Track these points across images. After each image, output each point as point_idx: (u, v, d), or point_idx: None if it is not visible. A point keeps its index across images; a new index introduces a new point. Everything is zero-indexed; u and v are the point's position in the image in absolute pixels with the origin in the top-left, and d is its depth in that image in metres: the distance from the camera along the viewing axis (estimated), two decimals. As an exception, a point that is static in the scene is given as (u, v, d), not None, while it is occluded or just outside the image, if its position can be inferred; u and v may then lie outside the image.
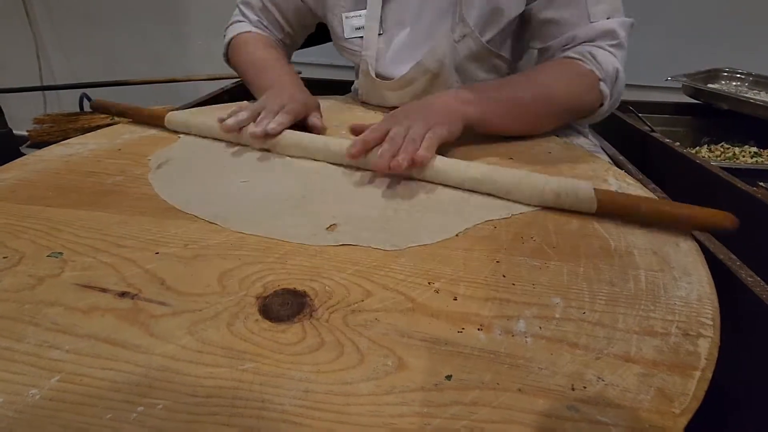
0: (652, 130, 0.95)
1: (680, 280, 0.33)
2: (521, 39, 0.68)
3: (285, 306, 0.30)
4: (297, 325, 0.28)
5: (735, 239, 0.45)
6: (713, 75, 1.23)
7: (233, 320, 0.29)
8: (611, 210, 0.40)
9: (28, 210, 0.40)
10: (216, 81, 1.18)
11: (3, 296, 0.30)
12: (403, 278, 0.33)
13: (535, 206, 0.42)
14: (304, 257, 0.35)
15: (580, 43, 0.59)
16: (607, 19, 0.59)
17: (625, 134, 0.96)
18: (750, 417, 0.36)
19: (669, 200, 0.43)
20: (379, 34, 0.69)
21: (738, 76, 1.23)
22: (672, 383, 0.25)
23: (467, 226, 0.39)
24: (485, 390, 0.24)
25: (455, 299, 0.31)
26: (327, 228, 0.38)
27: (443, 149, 0.49)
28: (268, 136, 0.52)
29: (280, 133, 0.52)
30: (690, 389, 0.24)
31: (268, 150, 0.54)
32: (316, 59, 1.54)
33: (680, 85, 1.16)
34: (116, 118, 0.86)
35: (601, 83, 0.57)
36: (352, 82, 0.94)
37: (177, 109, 0.74)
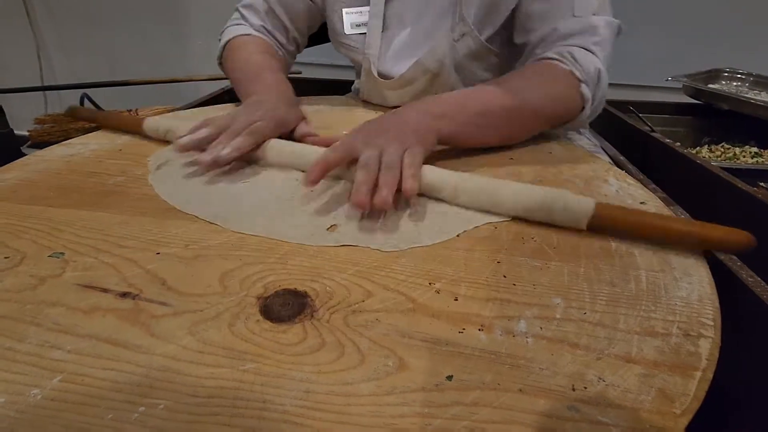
0: (653, 131, 0.95)
1: (681, 280, 0.33)
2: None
3: (286, 306, 0.30)
4: (298, 325, 0.28)
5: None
6: (714, 75, 1.23)
7: (234, 320, 0.29)
8: (612, 227, 0.37)
9: (29, 210, 0.40)
10: (217, 81, 1.18)
11: (5, 296, 0.30)
12: (403, 279, 0.33)
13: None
14: (304, 258, 0.35)
15: (560, 39, 0.56)
16: (593, 15, 0.56)
17: (626, 134, 0.96)
18: (751, 417, 0.36)
19: (679, 217, 0.39)
20: (381, 32, 0.68)
21: (738, 76, 1.23)
22: (673, 384, 0.25)
23: (467, 228, 0.39)
24: (486, 390, 0.24)
25: (456, 300, 0.31)
26: (327, 228, 0.38)
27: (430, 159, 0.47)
28: (216, 164, 0.47)
29: (234, 159, 0.47)
30: (691, 390, 0.24)
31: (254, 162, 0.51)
32: (316, 59, 1.54)
33: (681, 86, 1.16)
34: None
35: (582, 85, 0.54)
36: (352, 82, 0.94)
37: (180, 109, 0.74)
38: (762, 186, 0.81)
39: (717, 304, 0.31)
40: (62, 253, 0.35)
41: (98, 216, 0.40)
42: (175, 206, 0.41)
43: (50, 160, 0.51)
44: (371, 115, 0.70)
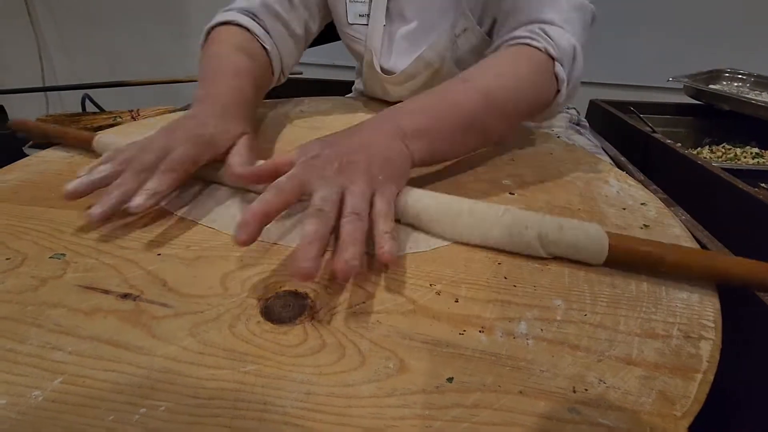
0: (654, 131, 0.95)
1: (681, 282, 0.33)
2: None
3: (287, 308, 0.30)
4: (299, 327, 0.28)
5: (736, 240, 0.45)
6: (715, 76, 1.23)
7: (235, 322, 0.29)
8: (625, 260, 0.33)
9: (30, 211, 0.40)
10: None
11: (6, 297, 0.30)
12: (404, 280, 0.33)
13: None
14: (305, 259, 0.35)
15: (527, 20, 0.51)
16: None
17: (626, 135, 0.96)
18: (752, 419, 0.36)
19: (699, 250, 0.34)
20: (383, 25, 0.68)
21: (739, 76, 1.23)
22: (674, 386, 0.25)
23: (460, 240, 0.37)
24: (486, 392, 0.24)
25: (456, 301, 0.31)
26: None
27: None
28: (101, 216, 0.36)
29: (152, 207, 0.37)
30: (691, 392, 0.24)
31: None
32: (317, 59, 1.54)
33: (682, 86, 1.16)
34: (117, 120, 0.86)
35: (557, 65, 0.48)
36: (352, 83, 0.94)
37: (180, 110, 0.74)
38: (763, 187, 0.81)
39: (718, 305, 0.31)
40: (63, 254, 0.35)
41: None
42: (172, 211, 0.41)
43: (51, 161, 0.51)
44: (371, 115, 0.70)
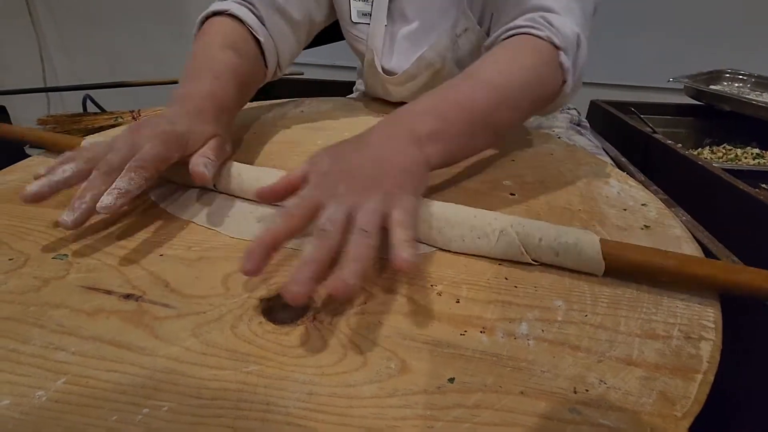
0: (654, 132, 0.95)
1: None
2: None
3: (288, 309, 0.30)
4: (300, 327, 0.29)
5: (737, 241, 0.45)
6: (715, 76, 1.23)
7: (237, 322, 0.29)
8: (624, 270, 0.33)
9: (32, 212, 0.41)
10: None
11: (8, 298, 0.30)
12: (405, 281, 0.33)
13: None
14: (307, 259, 0.35)
15: (527, 8, 0.50)
16: None
17: (627, 135, 0.96)
18: (752, 420, 0.36)
19: (701, 258, 0.34)
20: (385, 25, 0.68)
21: (740, 77, 1.23)
22: (674, 386, 0.25)
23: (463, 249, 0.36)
24: (488, 393, 0.24)
25: (458, 302, 0.31)
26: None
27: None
28: (74, 224, 0.34)
29: (122, 206, 0.35)
30: (692, 392, 0.24)
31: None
32: (317, 60, 1.54)
33: (682, 87, 1.16)
34: (118, 120, 0.86)
35: (561, 54, 0.46)
36: (352, 83, 0.94)
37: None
38: (763, 187, 0.81)
39: (718, 306, 0.31)
40: (66, 255, 0.35)
41: (101, 217, 0.40)
42: (172, 213, 0.41)
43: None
44: (373, 116, 0.70)
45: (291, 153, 0.54)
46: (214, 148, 0.42)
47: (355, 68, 0.89)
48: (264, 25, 0.58)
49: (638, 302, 0.31)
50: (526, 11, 0.50)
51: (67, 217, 0.34)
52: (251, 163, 0.49)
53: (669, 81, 1.16)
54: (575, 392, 0.24)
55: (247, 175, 0.43)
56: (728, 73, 1.24)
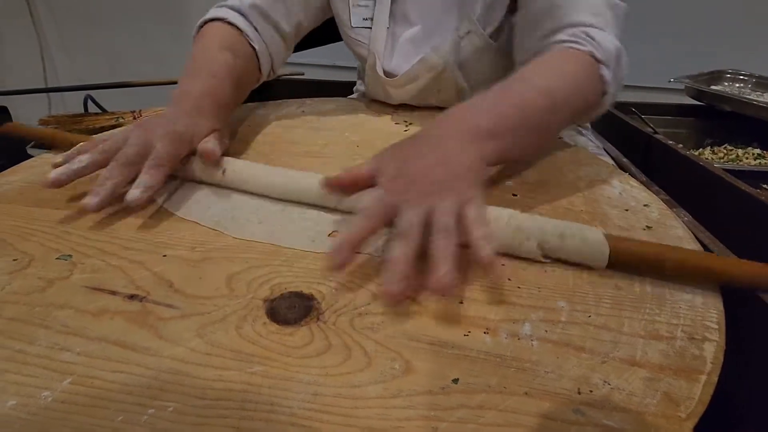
0: (655, 132, 0.95)
1: (684, 283, 0.33)
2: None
3: (292, 309, 0.30)
4: (304, 328, 0.29)
5: (738, 241, 0.45)
6: (716, 76, 1.23)
7: (241, 323, 0.29)
8: (628, 262, 0.33)
9: (36, 212, 0.41)
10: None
11: (14, 299, 0.31)
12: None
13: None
14: (310, 260, 0.35)
15: (567, 24, 0.51)
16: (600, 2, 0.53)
17: (628, 136, 0.96)
18: (756, 420, 0.36)
19: (701, 252, 0.35)
20: (387, 28, 0.68)
21: (741, 77, 1.23)
22: (678, 387, 0.25)
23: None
24: (492, 393, 0.24)
25: (461, 303, 0.31)
26: (329, 234, 0.39)
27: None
28: (98, 205, 0.38)
29: (145, 201, 0.39)
30: (696, 393, 0.24)
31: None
32: (317, 60, 1.54)
33: (683, 87, 1.16)
34: (119, 120, 0.86)
35: (602, 68, 0.49)
36: (353, 83, 0.94)
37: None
38: (765, 187, 0.82)
39: (721, 307, 0.31)
40: (70, 256, 0.35)
41: (105, 218, 0.40)
42: (176, 214, 0.41)
43: (56, 162, 0.51)
44: (373, 116, 0.70)
45: (292, 153, 0.54)
46: (215, 139, 0.46)
47: (355, 68, 0.89)
48: (258, 32, 0.62)
49: (641, 303, 0.31)
50: (565, 26, 0.51)
51: (91, 200, 0.38)
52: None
53: (670, 81, 1.16)
54: (579, 393, 0.25)
55: (255, 168, 0.45)
56: (729, 73, 1.24)
